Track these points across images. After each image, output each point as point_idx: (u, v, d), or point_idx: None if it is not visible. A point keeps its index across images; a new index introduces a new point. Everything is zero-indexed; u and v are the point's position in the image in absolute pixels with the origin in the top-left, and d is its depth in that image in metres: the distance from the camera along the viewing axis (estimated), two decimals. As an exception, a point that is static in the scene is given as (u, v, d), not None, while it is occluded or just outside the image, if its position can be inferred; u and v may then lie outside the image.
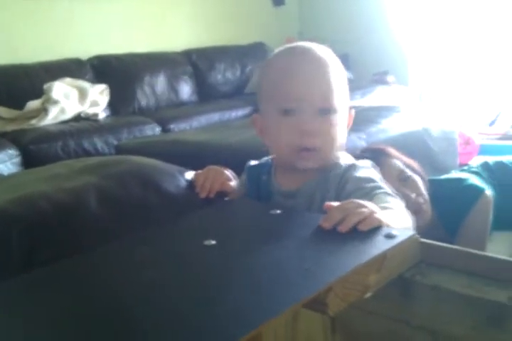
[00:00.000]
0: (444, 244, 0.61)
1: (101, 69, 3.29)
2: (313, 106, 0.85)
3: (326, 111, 0.86)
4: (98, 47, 3.36)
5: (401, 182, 1.45)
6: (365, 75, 3.84)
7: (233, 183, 0.92)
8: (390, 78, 3.70)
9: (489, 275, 0.56)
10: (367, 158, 1.53)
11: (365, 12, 4.06)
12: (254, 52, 3.93)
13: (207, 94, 3.66)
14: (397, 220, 0.70)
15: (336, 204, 0.66)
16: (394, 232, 0.60)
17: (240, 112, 3.25)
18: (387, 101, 3.16)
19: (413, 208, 1.42)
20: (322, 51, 0.91)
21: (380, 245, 0.58)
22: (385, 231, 0.61)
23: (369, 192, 0.82)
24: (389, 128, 2.13)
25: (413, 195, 1.43)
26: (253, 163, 1.03)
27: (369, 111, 2.41)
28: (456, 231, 1.45)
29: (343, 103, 0.88)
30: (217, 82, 3.73)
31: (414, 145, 2.07)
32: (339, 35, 4.14)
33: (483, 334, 0.54)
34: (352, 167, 0.89)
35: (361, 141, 1.95)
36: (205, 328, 0.46)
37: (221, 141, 2.00)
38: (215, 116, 3.18)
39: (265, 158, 1.01)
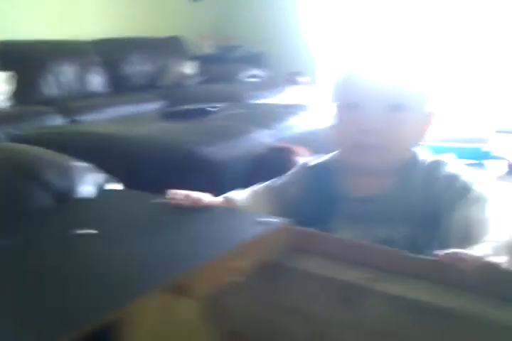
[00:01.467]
0: (311, 230, 0.64)
1: (6, 56, 3.10)
2: (381, 102, 0.80)
3: (395, 107, 0.80)
4: (4, 33, 3.17)
5: None
6: (279, 74, 3.92)
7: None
8: (303, 78, 3.80)
9: (347, 258, 0.60)
10: (275, 156, 1.57)
11: (282, 12, 4.14)
12: (168, 45, 3.89)
13: (119, 86, 3.57)
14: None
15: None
16: (264, 219, 0.62)
17: (154, 105, 3.20)
18: (298, 100, 3.25)
19: None
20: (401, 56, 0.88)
21: (249, 231, 0.60)
22: (255, 217, 0.62)
23: (461, 193, 0.77)
24: (297, 125, 2.18)
25: None
26: (311, 161, 0.94)
27: (279, 109, 2.47)
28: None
29: (418, 101, 0.83)
30: (131, 74, 3.65)
31: (322, 143, 2.14)
32: (255, 33, 4.19)
33: (341, 312, 0.58)
34: (437, 163, 0.83)
35: (270, 137, 2.00)
36: (58, 315, 0.45)
37: (129, 133, 1.96)
38: (127, 109, 3.11)
39: (323, 158, 0.93)
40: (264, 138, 1.97)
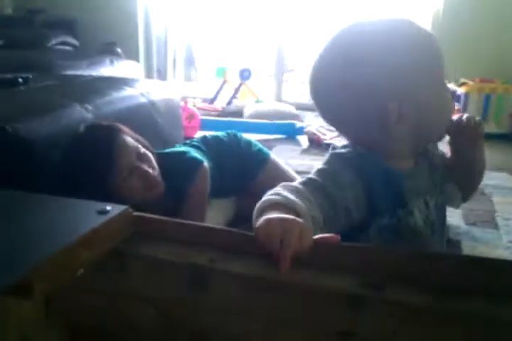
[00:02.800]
0: (155, 216, 0.64)
1: None
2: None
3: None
4: None
5: (137, 159, 1.47)
6: (92, 44, 3.69)
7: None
8: (118, 50, 3.64)
9: (192, 241, 0.62)
10: (96, 134, 1.48)
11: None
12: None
13: None
14: None
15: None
16: (107, 207, 0.60)
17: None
18: (114, 73, 3.11)
19: (153, 182, 1.47)
20: None
21: (91, 221, 0.57)
22: (92, 206, 0.60)
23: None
24: (117, 100, 2.10)
25: (150, 170, 1.47)
26: (344, 151, 0.84)
27: (97, 82, 2.34)
28: (181, 201, 1.55)
29: None
30: None
31: (142, 119, 2.10)
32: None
33: (187, 294, 0.59)
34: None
35: (88, 113, 1.89)
36: None
37: None
38: None
39: (344, 148, 0.86)
40: (82, 112, 1.85)
